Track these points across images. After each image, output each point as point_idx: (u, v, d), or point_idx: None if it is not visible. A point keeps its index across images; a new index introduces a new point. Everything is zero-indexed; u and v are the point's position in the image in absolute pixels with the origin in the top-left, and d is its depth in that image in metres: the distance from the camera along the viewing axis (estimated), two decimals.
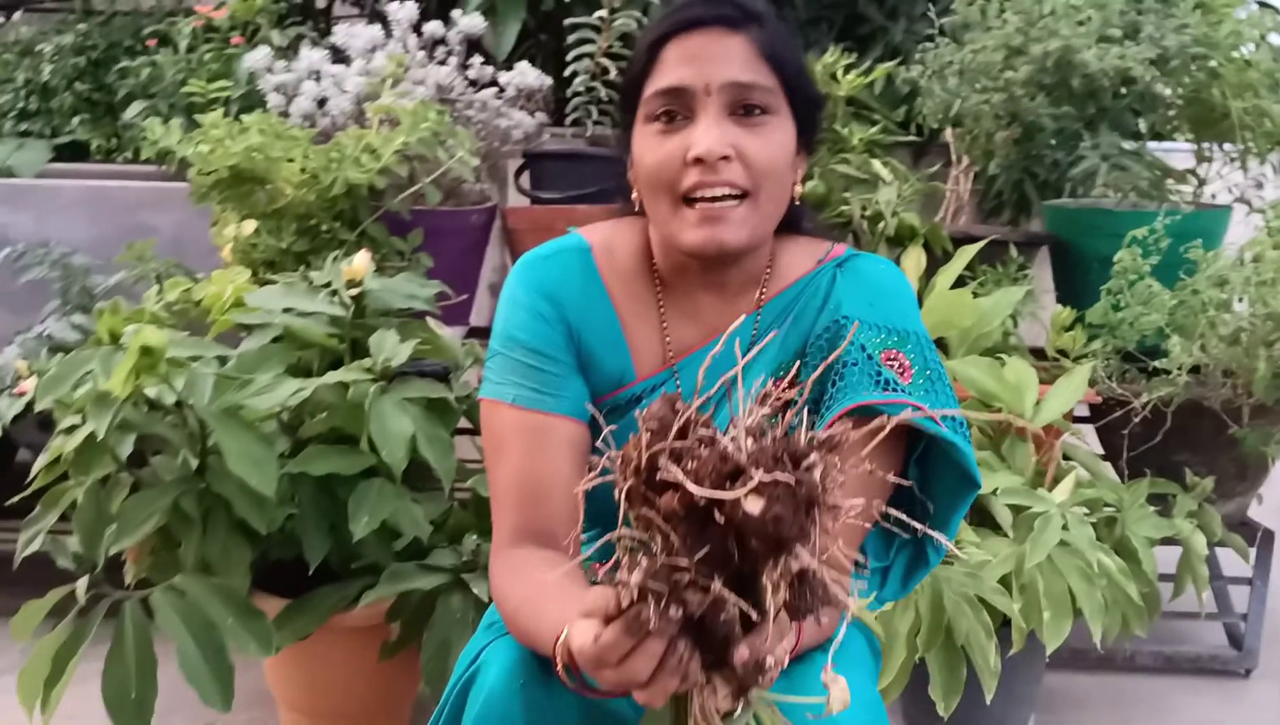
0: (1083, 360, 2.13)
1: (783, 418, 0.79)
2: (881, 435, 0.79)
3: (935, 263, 2.12)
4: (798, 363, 1.16)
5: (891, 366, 1.11)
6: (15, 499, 1.84)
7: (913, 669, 1.80)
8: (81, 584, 1.63)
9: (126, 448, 1.76)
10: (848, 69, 2.26)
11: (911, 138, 2.50)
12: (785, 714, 0.89)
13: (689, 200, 1.11)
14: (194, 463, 1.73)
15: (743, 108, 1.10)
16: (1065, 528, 1.80)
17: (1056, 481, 1.93)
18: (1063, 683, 2.24)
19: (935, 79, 2.32)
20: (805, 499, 0.72)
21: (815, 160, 2.21)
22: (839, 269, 1.19)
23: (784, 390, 0.82)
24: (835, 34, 3.22)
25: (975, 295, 2.16)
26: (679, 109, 1.10)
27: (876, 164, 2.16)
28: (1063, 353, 2.25)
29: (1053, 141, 2.42)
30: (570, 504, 1.14)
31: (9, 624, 1.65)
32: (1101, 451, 2.30)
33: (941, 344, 2.08)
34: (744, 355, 1.16)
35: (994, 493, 1.84)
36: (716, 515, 0.73)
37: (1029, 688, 2.00)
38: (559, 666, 0.94)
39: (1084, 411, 2.29)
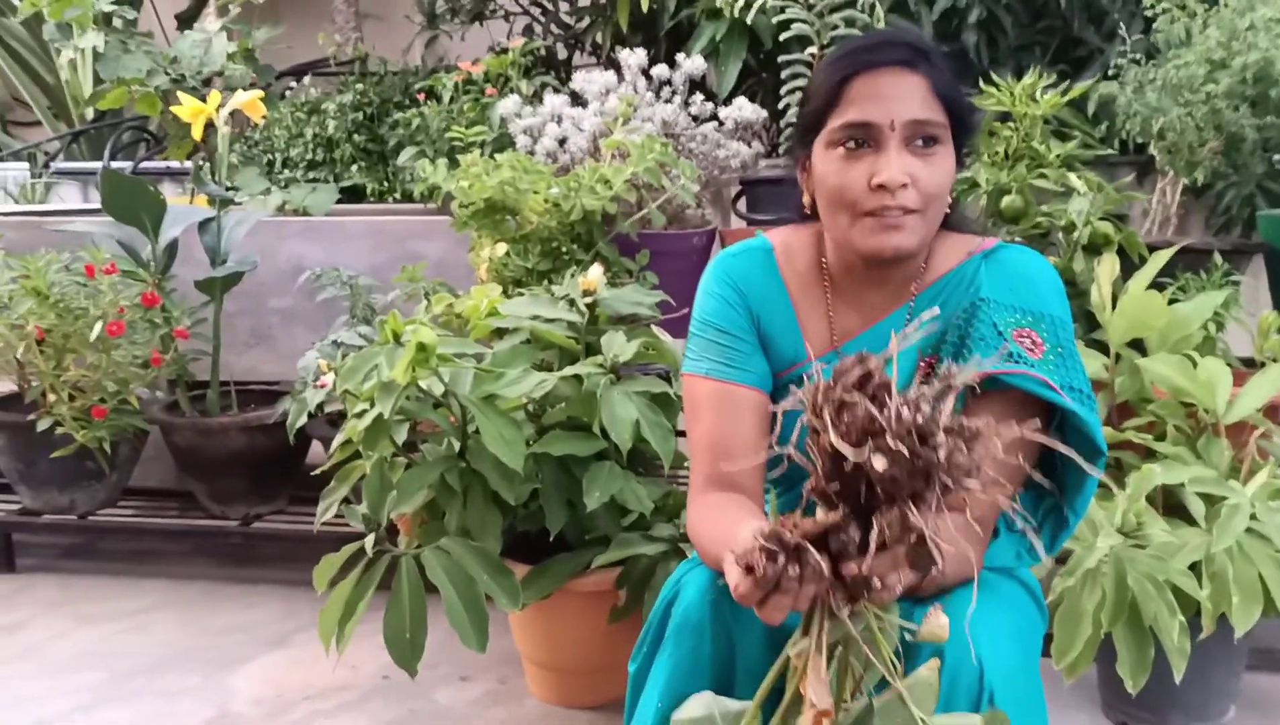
0: None
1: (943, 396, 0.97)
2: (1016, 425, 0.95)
3: (1131, 268, 2.21)
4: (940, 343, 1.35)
5: (1022, 343, 1.27)
6: (317, 471, 2.23)
7: (1105, 649, 1.90)
8: (369, 540, 1.96)
9: (403, 433, 2.10)
10: (1046, 89, 2.38)
11: (1110, 152, 2.58)
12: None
13: (869, 213, 1.31)
14: (457, 444, 2.04)
15: (920, 140, 1.29)
16: (1254, 517, 1.86)
17: (1253, 476, 1.98)
18: (1273, 683, 2.25)
19: (1135, 95, 2.40)
20: (923, 470, 0.88)
21: (1014, 176, 2.34)
22: (985, 260, 1.36)
23: (950, 374, 0.98)
24: (1050, 58, 3.30)
25: (1175, 300, 2.23)
26: (865, 138, 1.30)
27: (1072, 177, 2.27)
28: (1273, 358, 2.27)
29: (1267, 151, 2.45)
30: (751, 458, 1.36)
31: (307, 587, 2.01)
32: None
33: (1138, 345, 2.17)
34: (898, 341, 1.37)
35: (1181, 485, 1.92)
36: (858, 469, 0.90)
37: (1228, 679, 2.04)
38: None
39: None
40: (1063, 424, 1.32)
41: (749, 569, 0.98)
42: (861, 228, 1.31)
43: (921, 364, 1.37)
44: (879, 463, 0.87)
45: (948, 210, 1.37)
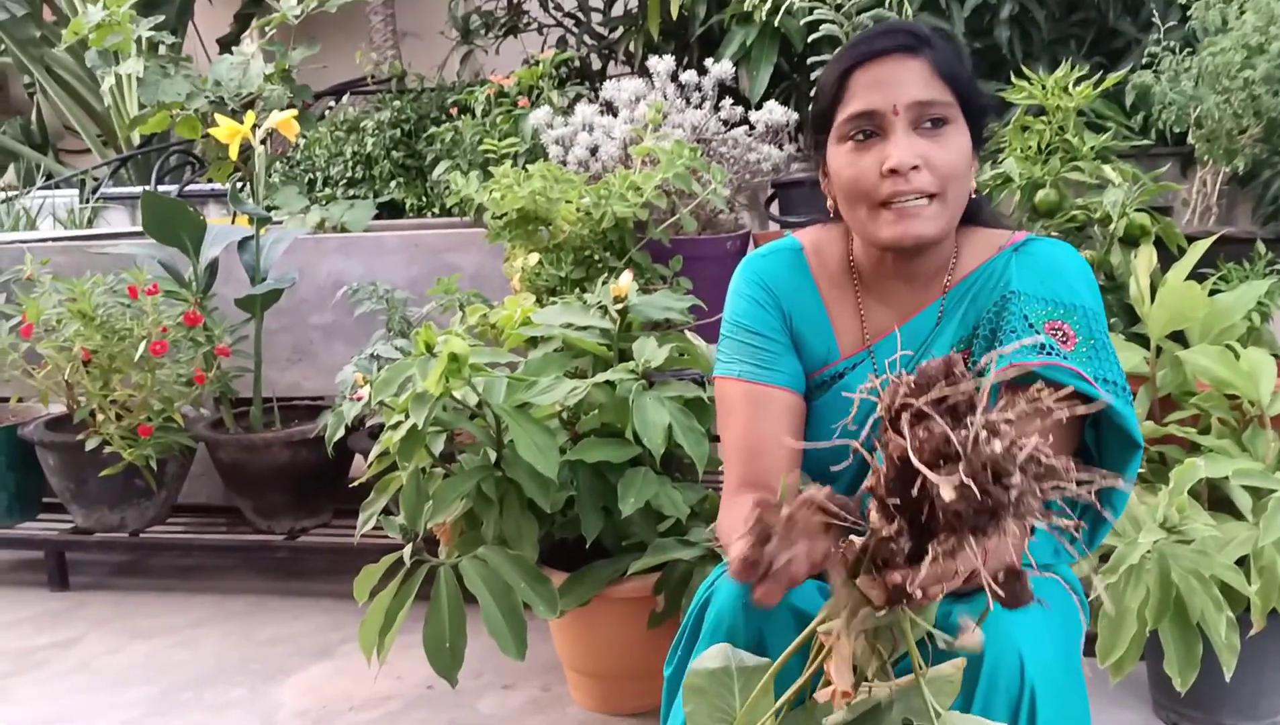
0: None
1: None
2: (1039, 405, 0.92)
3: (1171, 260, 2.17)
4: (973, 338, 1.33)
5: (1055, 336, 1.26)
6: (356, 482, 2.25)
7: (1154, 647, 1.87)
8: (407, 550, 1.98)
9: (439, 444, 2.11)
10: (1079, 81, 2.34)
11: (1147, 142, 2.54)
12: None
13: (885, 204, 1.31)
14: (493, 454, 2.06)
15: (927, 121, 1.28)
16: None
17: None
18: None
19: (1170, 84, 2.37)
20: (990, 509, 0.84)
21: (1048, 169, 2.31)
22: (1015, 253, 1.35)
23: (1041, 400, 0.91)
24: (1085, 50, 3.26)
25: (1217, 291, 2.19)
26: (871, 128, 1.29)
27: (1107, 169, 2.24)
28: None
29: None
30: (785, 460, 1.36)
31: (353, 599, 2.03)
32: None
33: (1179, 338, 2.13)
34: (926, 339, 1.35)
35: (1225, 478, 1.88)
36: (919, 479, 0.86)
37: None
38: None
39: None
40: (1097, 420, 1.30)
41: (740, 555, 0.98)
42: (880, 219, 1.30)
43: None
44: (946, 493, 0.83)
45: (976, 204, 1.36)
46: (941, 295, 1.37)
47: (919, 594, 0.93)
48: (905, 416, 0.87)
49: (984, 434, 0.85)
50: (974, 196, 1.36)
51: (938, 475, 0.83)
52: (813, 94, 2.68)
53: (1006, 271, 1.34)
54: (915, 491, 0.87)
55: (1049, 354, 1.24)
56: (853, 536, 0.98)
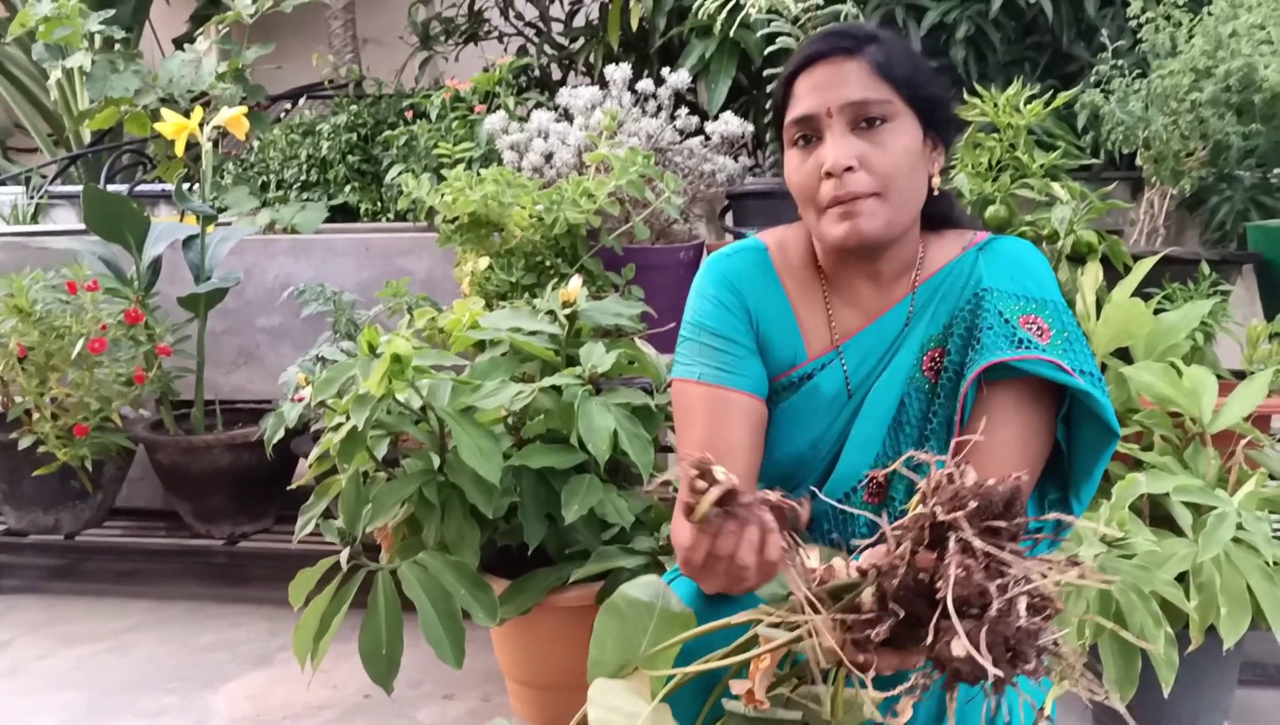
0: None
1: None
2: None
3: (1117, 279, 2.19)
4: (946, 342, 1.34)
5: (1029, 329, 1.27)
6: (295, 485, 2.21)
7: (1093, 662, 1.87)
8: (344, 554, 1.94)
9: (382, 448, 2.08)
10: (1029, 99, 2.36)
11: (1095, 161, 2.56)
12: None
13: (829, 206, 1.30)
14: (436, 459, 2.02)
15: (864, 121, 1.28)
16: (1241, 527, 1.83)
17: (1241, 486, 1.95)
18: (1267, 698, 2.21)
19: (1119, 104, 2.39)
20: (993, 679, 0.80)
21: (998, 186, 2.33)
22: (981, 251, 1.35)
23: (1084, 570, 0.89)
24: (1039, 74, 3.29)
25: (1162, 310, 2.21)
26: (811, 132, 1.31)
27: (1056, 186, 2.26)
28: (1262, 367, 2.24)
29: (1250, 158, 2.44)
30: (745, 466, 1.34)
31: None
32: None
33: (1123, 354, 2.14)
34: (896, 339, 1.34)
35: (1166, 494, 1.89)
36: (932, 604, 0.82)
37: (1220, 693, 2.01)
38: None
39: None
40: (1069, 413, 1.30)
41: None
42: (825, 220, 1.31)
43: (926, 358, 1.35)
44: (957, 649, 0.79)
45: (946, 204, 1.37)
46: (910, 292, 1.37)
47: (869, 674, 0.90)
48: (953, 538, 0.83)
49: (1022, 602, 0.81)
50: (941, 195, 1.36)
51: (960, 632, 0.79)
52: (768, 105, 2.67)
53: (975, 269, 1.34)
54: (926, 598, 0.83)
55: (1026, 348, 1.25)
56: (837, 561, 0.96)
